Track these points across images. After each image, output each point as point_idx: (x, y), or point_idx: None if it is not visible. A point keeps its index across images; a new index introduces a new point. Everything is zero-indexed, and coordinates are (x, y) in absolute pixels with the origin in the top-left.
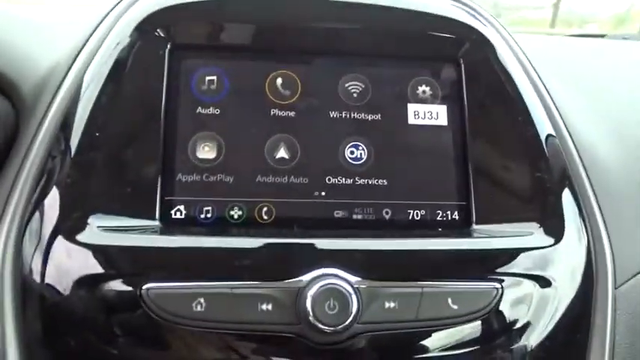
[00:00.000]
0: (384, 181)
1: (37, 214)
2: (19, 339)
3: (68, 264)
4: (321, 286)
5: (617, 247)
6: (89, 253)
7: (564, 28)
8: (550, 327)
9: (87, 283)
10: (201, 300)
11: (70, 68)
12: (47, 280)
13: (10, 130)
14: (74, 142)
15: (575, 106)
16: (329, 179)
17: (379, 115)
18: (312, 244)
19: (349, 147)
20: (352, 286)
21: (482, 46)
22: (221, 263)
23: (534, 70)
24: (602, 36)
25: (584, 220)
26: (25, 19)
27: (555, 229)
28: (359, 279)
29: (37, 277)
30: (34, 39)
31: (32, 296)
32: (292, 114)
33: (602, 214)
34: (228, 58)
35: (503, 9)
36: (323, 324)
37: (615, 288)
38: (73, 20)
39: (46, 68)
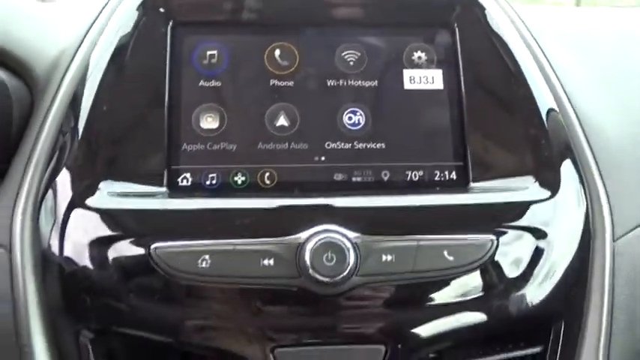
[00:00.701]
0: (382, 144)
1: (51, 187)
2: (41, 307)
3: (82, 229)
4: (319, 240)
5: (615, 201)
6: (100, 217)
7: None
8: (547, 278)
9: (99, 246)
10: (206, 257)
11: (78, 48)
12: (64, 246)
13: (25, 108)
14: (83, 117)
15: (574, 68)
16: (328, 144)
17: (376, 82)
18: (311, 204)
19: (347, 113)
20: (350, 240)
21: (474, 9)
22: (224, 223)
23: (529, 31)
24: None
25: (580, 174)
26: (34, 4)
27: (551, 183)
28: (357, 234)
29: (54, 245)
30: (44, 22)
31: (51, 264)
32: (291, 84)
33: (598, 169)
34: (228, 33)
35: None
36: (322, 275)
37: (614, 241)
38: (80, 3)
39: (56, 49)
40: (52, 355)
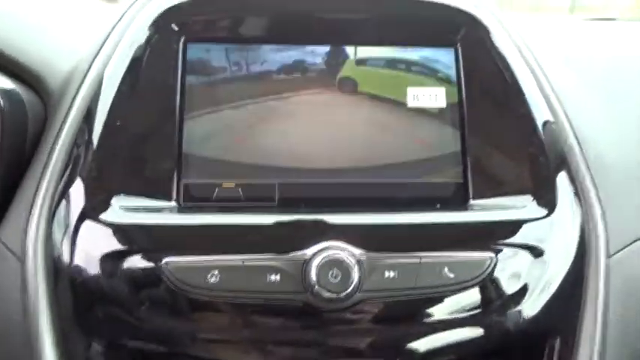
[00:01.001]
0: (385, 161)
1: (64, 199)
2: (53, 317)
3: (94, 243)
4: (324, 257)
5: (610, 217)
6: (112, 232)
7: (584, 15)
8: (543, 294)
9: (111, 259)
10: (215, 272)
11: (92, 63)
12: (75, 260)
13: (39, 122)
14: (97, 131)
15: (573, 85)
16: (333, 162)
17: (380, 99)
18: (316, 220)
19: (352, 130)
20: (354, 257)
21: (478, 30)
22: (233, 238)
23: (531, 52)
24: (613, 19)
25: (576, 193)
26: (49, 18)
27: (548, 202)
28: (361, 251)
29: (66, 258)
30: (58, 37)
31: (63, 277)
32: (299, 100)
33: (595, 187)
34: (239, 50)
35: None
36: (327, 291)
37: (608, 257)
38: (94, 18)
39: (70, 64)
40: None
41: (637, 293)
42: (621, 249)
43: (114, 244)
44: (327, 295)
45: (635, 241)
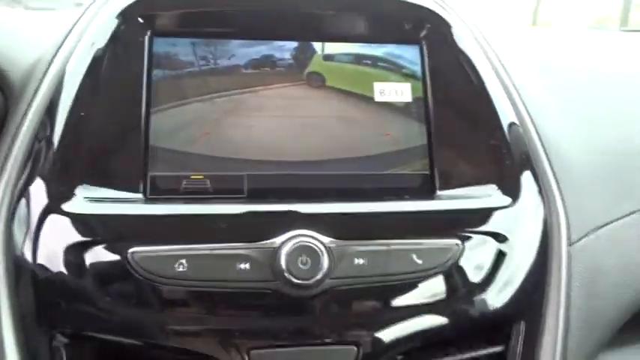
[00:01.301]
0: (354, 153)
1: (26, 192)
2: (14, 313)
3: (57, 235)
4: (294, 244)
5: (570, 208)
6: (76, 222)
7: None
8: (508, 281)
9: (75, 250)
10: (183, 261)
11: (55, 56)
12: (38, 252)
13: (0, 116)
14: (60, 123)
15: (535, 86)
16: (301, 153)
17: (348, 94)
18: (286, 210)
19: (320, 123)
20: (324, 244)
21: (442, 28)
22: (201, 228)
23: (494, 52)
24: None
25: (538, 184)
26: (10, 14)
27: (512, 191)
28: (330, 239)
29: (28, 251)
30: (20, 30)
31: (24, 271)
32: (266, 94)
33: (556, 179)
34: (206, 44)
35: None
36: (296, 278)
37: (570, 245)
38: (57, 14)
39: (32, 57)
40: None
41: (598, 279)
42: (582, 237)
43: (78, 236)
44: (296, 281)
45: (593, 230)
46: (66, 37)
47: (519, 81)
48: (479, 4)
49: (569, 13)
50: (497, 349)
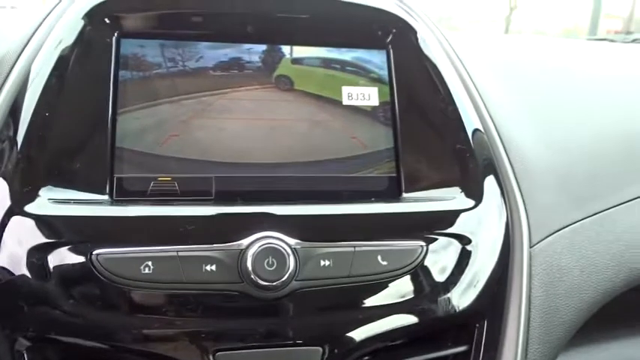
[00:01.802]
0: (321, 156)
1: None
2: None
3: (19, 237)
4: (260, 246)
5: (531, 212)
6: (40, 224)
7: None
8: (472, 281)
9: (38, 253)
10: (149, 263)
11: (19, 56)
12: (0, 255)
13: None
14: (24, 124)
15: (496, 90)
16: (268, 156)
17: (316, 97)
18: (253, 212)
19: (288, 126)
20: (290, 246)
21: (407, 34)
22: (167, 230)
23: (457, 56)
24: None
25: (501, 186)
26: None
27: (475, 195)
28: (297, 240)
29: None
30: None
31: None
32: (232, 97)
33: (518, 184)
34: (174, 46)
35: (458, 22)
36: (263, 280)
37: (530, 247)
38: (22, 12)
39: None
40: None
41: (558, 280)
42: (542, 239)
43: (41, 237)
44: (262, 283)
45: (553, 232)
46: (31, 36)
47: (483, 86)
48: (460, 11)
49: (541, 21)
50: (462, 348)
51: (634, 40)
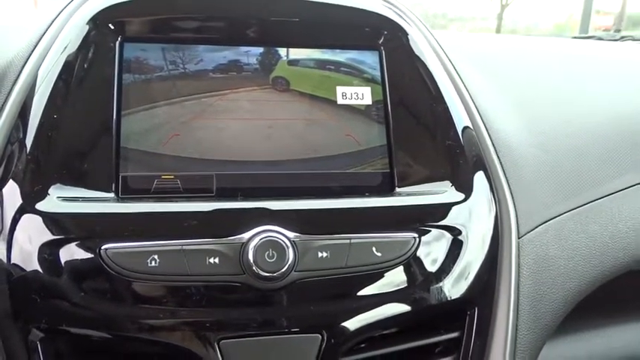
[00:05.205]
0: (317, 153)
1: None
2: None
3: (31, 234)
4: (261, 239)
5: (519, 204)
6: (50, 221)
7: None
8: (463, 271)
9: (49, 248)
10: (155, 257)
11: (27, 60)
12: (12, 252)
13: None
14: (33, 126)
15: (486, 88)
16: (267, 154)
17: (311, 97)
18: (252, 207)
19: (286, 125)
20: (289, 239)
21: (398, 35)
22: (172, 225)
23: (447, 56)
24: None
25: (490, 180)
26: None
27: (465, 188)
28: (295, 233)
29: (2, 250)
30: None
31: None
32: (232, 98)
33: (506, 177)
34: (175, 49)
35: (450, 20)
36: (263, 271)
37: (519, 238)
38: (27, 19)
39: (4, 61)
40: None
41: (545, 269)
42: (530, 230)
43: (51, 234)
44: (263, 274)
45: (541, 224)
46: (38, 41)
47: (472, 85)
48: (454, 8)
49: (532, 18)
50: (454, 334)
51: (622, 38)
